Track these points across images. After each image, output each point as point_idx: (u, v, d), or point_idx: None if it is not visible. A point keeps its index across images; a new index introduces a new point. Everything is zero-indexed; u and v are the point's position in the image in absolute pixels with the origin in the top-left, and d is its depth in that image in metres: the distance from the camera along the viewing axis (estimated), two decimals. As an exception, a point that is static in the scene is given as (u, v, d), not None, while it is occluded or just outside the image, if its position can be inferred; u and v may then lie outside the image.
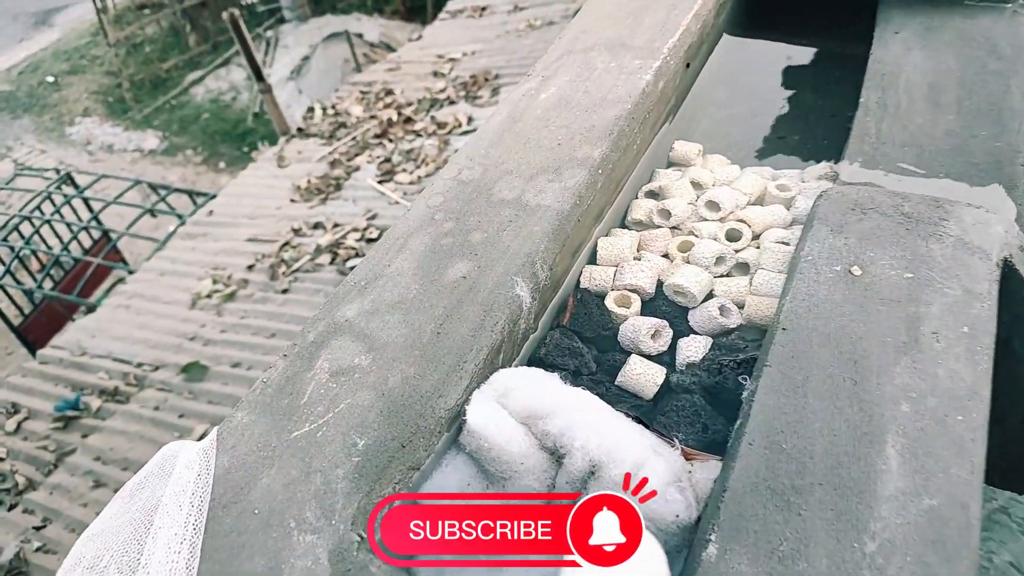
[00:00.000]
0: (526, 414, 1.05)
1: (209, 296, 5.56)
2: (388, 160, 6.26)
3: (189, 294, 5.68)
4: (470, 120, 6.33)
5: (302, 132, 7.20)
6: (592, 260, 1.43)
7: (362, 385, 1.08)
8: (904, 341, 1.03)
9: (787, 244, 1.36)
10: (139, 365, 5.28)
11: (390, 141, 6.56)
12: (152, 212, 7.58)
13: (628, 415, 1.12)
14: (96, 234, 7.92)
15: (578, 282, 1.38)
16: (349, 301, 1.21)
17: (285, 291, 5.30)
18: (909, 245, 1.15)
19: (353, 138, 6.74)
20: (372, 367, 1.10)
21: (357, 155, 6.51)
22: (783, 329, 1.06)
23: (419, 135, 6.47)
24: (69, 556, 0.96)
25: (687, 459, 1.05)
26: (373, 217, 5.64)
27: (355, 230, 5.53)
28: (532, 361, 1.25)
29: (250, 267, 5.67)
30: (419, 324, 1.15)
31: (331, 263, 5.36)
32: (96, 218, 7.71)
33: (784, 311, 1.08)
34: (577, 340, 1.25)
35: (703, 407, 1.14)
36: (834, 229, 1.19)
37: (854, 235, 1.18)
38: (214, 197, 6.83)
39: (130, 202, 7.42)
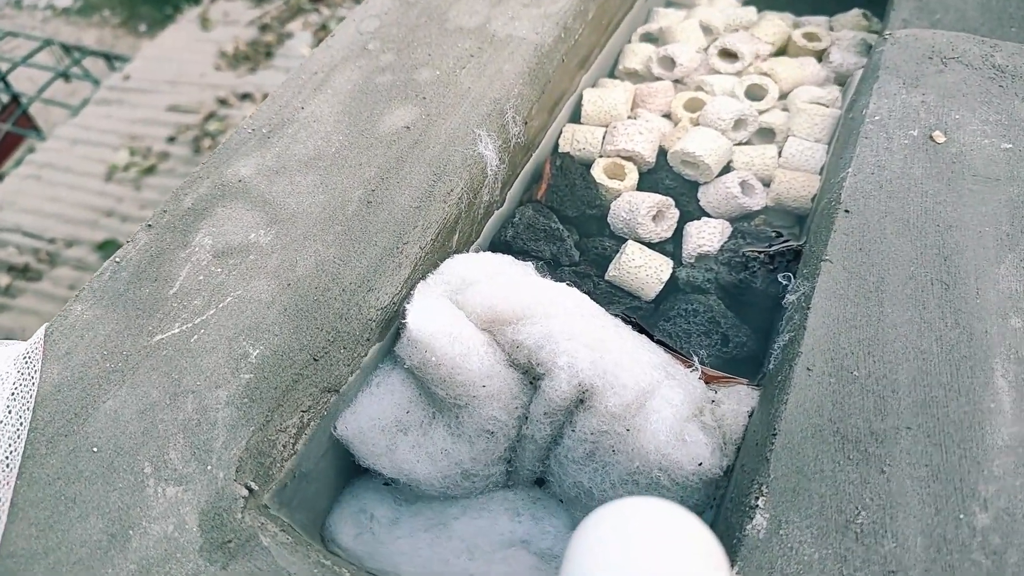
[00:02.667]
0: (490, 317, 0.75)
1: (126, 169, 5.05)
2: (324, 27, 5.67)
3: (104, 166, 5.17)
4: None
5: (230, -10, 6.47)
6: (575, 118, 1.11)
7: (259, 271, 0.76)
8: (1008, 233, 0.75)
9: (825, 105, 1.06)
10: (51, 241, 4.86)
11: (326, 6, 5.95)
12: (66, 76, 6.87)
13: (628, 320, 0.83)
14: (4, 98, 7.19)
15: (556, 145, 1.06)
16: (245, 155, 0.87)
17: (209, 161, 4.84)
18: (1005, 107, 0.86)
19: (286, 0, 6.09)
20: (275, 246, 0.78)
21: (290, 20, 5.89)
22: (846, 212, 0.77)
23: (359, 1, 5.87)
24: None
25: (707, 383, 0.77)
26: (309, 88, 5.13)
27: (289, 102, 5.03)
28: (496, 246, 0.95)
29: (171, 139, 5.15)
30: (343, 189, 0.83)
31: (262, 137, 4.88)
32: (3, 79, 6.96)
33: (847, 188, 0.79)
34: (555, 220, 0.95)
35: (722, 312, 0.86)
36: (907, 82, 0.89)
37: (933, 91, 0.88)
38: (128, 60, 6.17)
39: (42, 64, 6.69)
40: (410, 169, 0.84)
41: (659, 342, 0.81)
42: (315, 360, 0.71)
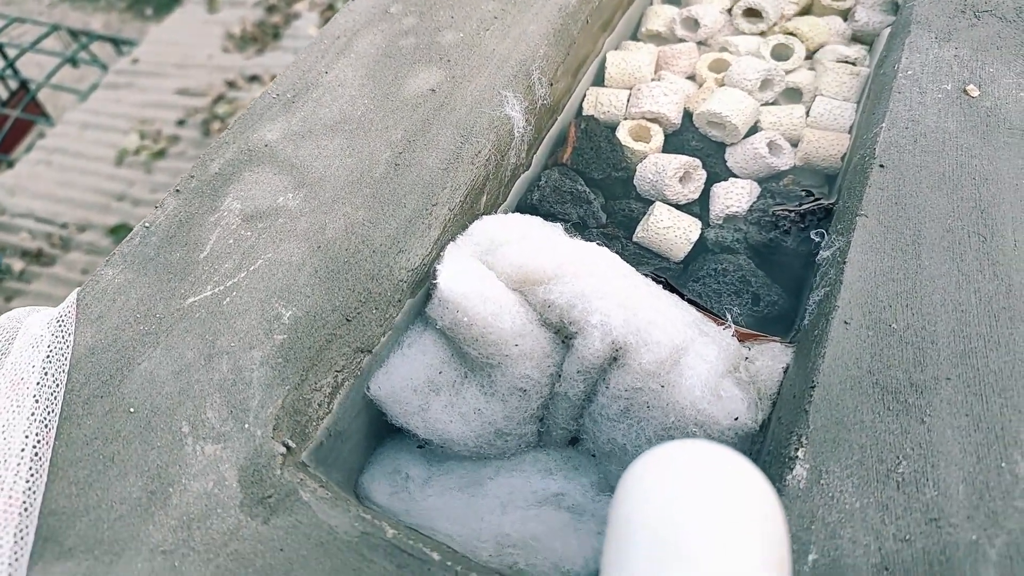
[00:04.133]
0: (521, 277, 0.75)
1: (137, 152, 5.05)
2: (331, 7, 5.64)
3: (115, 150, 5.17)
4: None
5: (237, -30, 6.43)
6: (599, 81, 1.10)
7: (289, 234, 0.76)
8: (1045, 183, 0.74)
9: (852, 64, 1.05)
10: (63, 226, 4.89)
11: (335, -16, 5.90)
12: (73, 61, 6.87)
13: (658, 280, 0.83)
14: (13, 84, 7.19)
15: (581, 108, 1.05)
16: (271, 119, 0.87)
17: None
18: (1040, 58, 0.85)
19: (293, -21, 6.04)
20: (303, 209, 0.78)
21: (297, 0, 5.86)
22: (880, 166, 0.76)
23: (368, -22, 5.81)
24: None
25: (740, 341, 0.77)
26: (318, 68, 5.11)
27: (298, 82, 5.01)
28: (523, 208, 0.94)
29: (180, 122, 5.15)
30: (370, 152, 0.82)
31: (272, 118, 4.87)
32: (12, 66, 6.96)
33: (881, 143, 0.78)
34: (581, 182, 0.94)
35: (752, 272, 0.85)
36: (940, 37, 0.88)
37: (966, 45, 0.87)
38: (135, 44, 6.16)
39: (49, 50, 6.68)
40: (437, 132, 0.84)
41: (691, 301, 0.80)
42: (348, 321, 0.71)
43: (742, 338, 0.78)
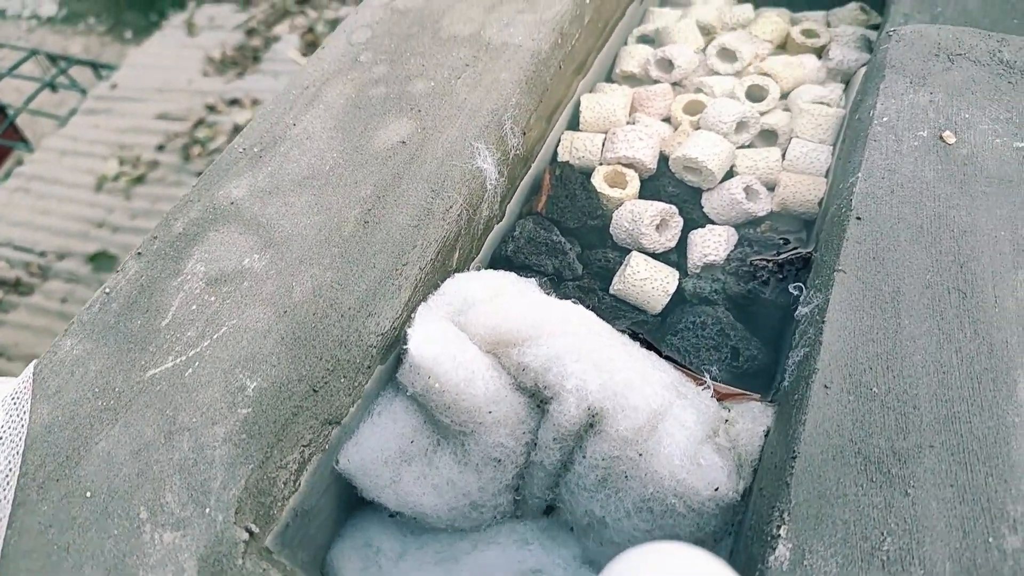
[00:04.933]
0: (494, 339, 0.73)
1: (116, 179, 5.00)
2: (311, 30, 5.62)
3: (94, 176, 5.12)
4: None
5: (215, -6, 6.42)
6: (573, 125, 1.08)
7: (255, 298, 0.74)
8: (1024, 236, 0.73)
9: (828, 105, 1.04)
10: (42, 254, 4.82)
11: (313, 9, 5.90)
12: (52, 86, 6.82)
13: (636, 336, 0.81)
14: (-11, 110, 7.12)
15: (555, 154, 1.03)
16: (237, 175, 0.85)
17: (200, 174, 4.79)
18: (1016, 104, 0.84)
19: (272, 3, 6.04)
20: (270, 271, 0.76)
21: (276, 23, 5.84)
22: (857, 219, 0.75)
23: (345, 2, 5.81)
24: None
25: (719, 400, 0.75)
26: (299, 92, 5.08)
27: (278, 106, 4.98)
28: (497, 261, 0.92)
29: (160, 147, 5.09)
30: (339, 209, 0.80)
31: (252, 142, 4.84)
32: (-12, 91, 6.90)
33: (857, 194, 0.77)
34: (556, 232, 0.92)
35: (731, 324, 0.83)
36: (914, 81, 0.87)
37: (941, 89, 0.86)
38: (114, 69, 6.11)
39: (28, 75, 6.63)
40: (407, 186, 0.82)
41: (668, 358, 0.78)
42: (315, 391, 0.68)
43: (721, 397, 0.76)
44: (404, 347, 0.72)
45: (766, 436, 0.70)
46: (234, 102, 5.26)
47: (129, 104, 5.77)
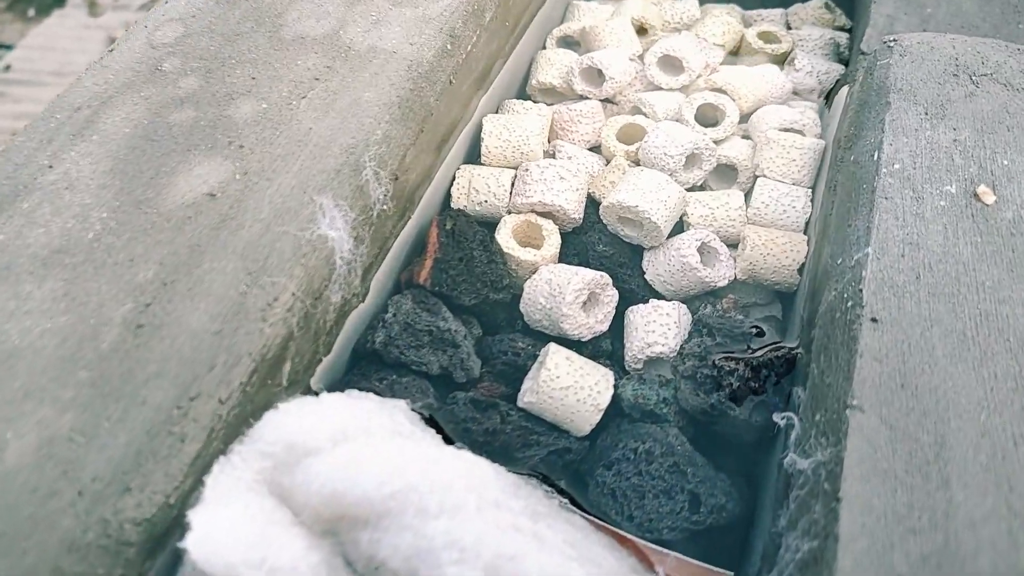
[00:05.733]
0: (335, 514, 0.47)
1: None
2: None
3: (-26, 172, 4.62)
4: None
5: (113, -27, 5.92)
6: (472, 157, 0.82)
7: (-64, 464, 0.45)
8: (1106, 344, 0.50)
9: (800, 133, 0.81)
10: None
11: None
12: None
13: (548, 483, 0.56)
14: None
15: (447, 197, 0.77)
16: (-55, 248, 0.56)
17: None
18: (1064, 143, 0.62)
19: (175, -16, 5.58)
20: (-29, 415, 0.47)
21: (180, 5, 5.39)
22: (873, 320, 0.51)
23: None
24: None
25: (677, 594, 0.51)
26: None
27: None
28: (361, 355, 0.66)
29: (46, 140, 4.63)
30: (98, 305, 0.52)
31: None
32: None
33: (869, 280, 0.53)
34: (445, 313, 0.66)
35: (687, 457, 0.59)
36: (930, 112, 0.64)
37: (967, 124, 0.63)
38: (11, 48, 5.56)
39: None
40: (211, 265, 0.54)
41: (602, 524, 0.53)
42: (15, 640, 0.40)
43: (680, 584, 0.51)
44: (184, 545, 0.45)
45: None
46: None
47: (25, 88, 5.25)
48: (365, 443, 0.51)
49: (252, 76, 0.67)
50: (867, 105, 0.68)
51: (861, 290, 0.53)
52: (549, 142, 0.84)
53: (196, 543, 0.44)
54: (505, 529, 0.47)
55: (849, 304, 0.53)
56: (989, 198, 0.58)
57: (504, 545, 0.46)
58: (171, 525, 0.47)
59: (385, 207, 0.63)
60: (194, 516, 0.45)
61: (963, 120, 0.63)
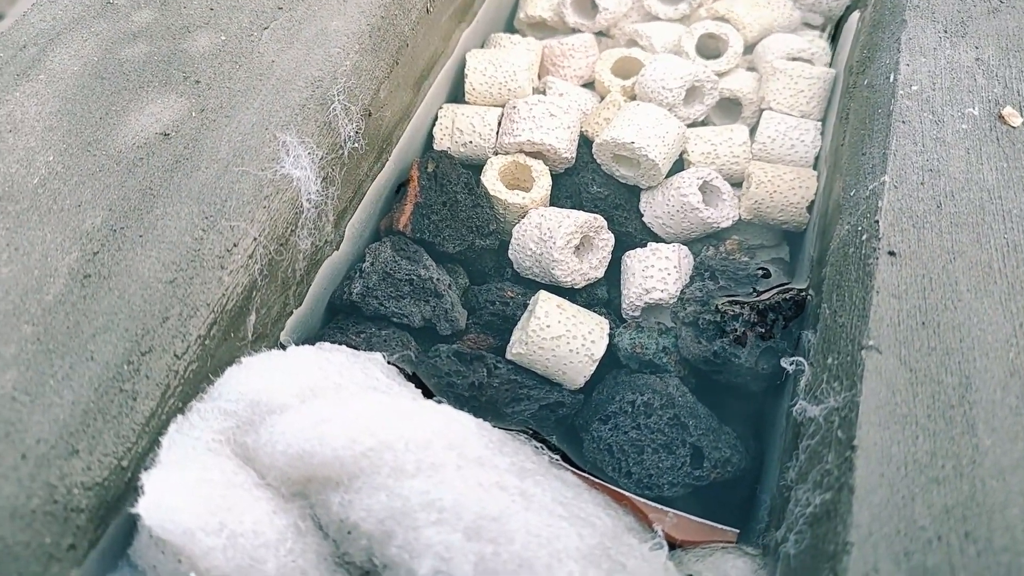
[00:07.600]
0: (303, 475, 0.43)
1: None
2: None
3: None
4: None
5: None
6: (456, 95, 0.77)
7: None
8: None
9: (809, 62, 0.75)
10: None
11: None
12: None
13: (539, 439, 0.52)
14: None
15: (429, 138, 0.72)
16: None
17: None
18: (1098, 59, 0.56)
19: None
20: (-100, 374, 0.43)
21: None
22: (890, 253, 0.47)
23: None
24: None
25: (679, 547, 0.47)
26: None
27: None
28: (338, 308, 0.61)
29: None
30: (43, 253, 0.48)
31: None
32: None
33: (885, 211, 0.48)
34: (428, 261, 0.62)
35: (688, 409, 0.55)
36: (950, 30, 0.58)
37: (991, 43, 0.58)
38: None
39: None
40: (164, 210, 0.50)
41: (595, 481, 0.49)
42: (-51, 617, 0.37)
43: (682, 542, 0.47)
44: (137, 511, 0.41)
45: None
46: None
47: None
48: (335, 399, 0.47)
49: (210, 7, 0.62)
50: (881, 25, 0.62)
51: (877, 222, 0.48)
52: (539, 78, 0.78)
53: (149, 508, 0.40)
54: (488, 488, 0.43)
55: (864, 237, 0.49)
56: (1016, 120, 0.52)
57: (487, 505, 0.42)
58: (124, 490, 0.43)
59: (356, 145, 0.58)
60: (148, 479, 0.42)
61: (986, 38, 0.57)
